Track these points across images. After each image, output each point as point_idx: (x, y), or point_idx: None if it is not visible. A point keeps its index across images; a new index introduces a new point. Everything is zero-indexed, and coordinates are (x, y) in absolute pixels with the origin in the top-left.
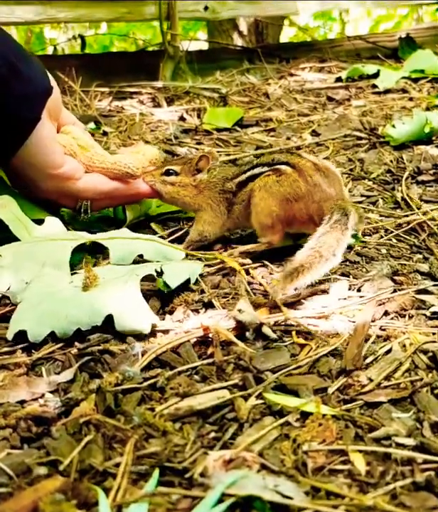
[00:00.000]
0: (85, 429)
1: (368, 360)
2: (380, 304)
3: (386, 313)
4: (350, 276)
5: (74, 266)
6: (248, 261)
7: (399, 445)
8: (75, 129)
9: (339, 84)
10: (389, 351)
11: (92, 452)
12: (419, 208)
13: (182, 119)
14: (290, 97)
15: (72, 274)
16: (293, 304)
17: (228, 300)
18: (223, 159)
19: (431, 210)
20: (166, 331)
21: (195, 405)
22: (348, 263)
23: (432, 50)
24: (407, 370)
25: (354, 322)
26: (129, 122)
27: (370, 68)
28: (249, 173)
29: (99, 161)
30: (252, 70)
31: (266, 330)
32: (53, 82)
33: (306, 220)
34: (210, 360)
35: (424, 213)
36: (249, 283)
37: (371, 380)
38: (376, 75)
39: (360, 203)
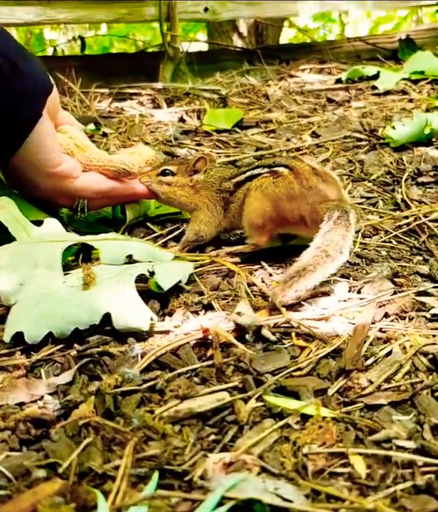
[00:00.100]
0: (84, 432)
1: (368, 363)
2: (380, 306)
3: (386, 315)
4: (351, 278)
5: (64, 267)
6: (237, 259)
7: (399, 448)
8: (71, 129)
9: (339, 85)
10: (389, 353)
11: (91, 455)
12: (419, 210)
13: (182, 120)
14: (290, 99)
15: (64, 275)
16: (293, 305)
17: (228, 302)
18: (223, 160)
19: (432, 212)
20: (165, 333)
21: (195, 408)
22: (348, 265)
23: (432, 52)
24: (408, 372)
25: (354, 324)
26: (128, 123)
27: (370, 70)
28: (248, 174)
29: (96, 159)
30: (251, 72)
31: (265, 332)
32: (52, 82)
33: (297, 221)
34: (209, 363)
35: (425, 215)
36: (249, 285)
37: (371, 383)
38: (376, 77)
39: (360, 204)
